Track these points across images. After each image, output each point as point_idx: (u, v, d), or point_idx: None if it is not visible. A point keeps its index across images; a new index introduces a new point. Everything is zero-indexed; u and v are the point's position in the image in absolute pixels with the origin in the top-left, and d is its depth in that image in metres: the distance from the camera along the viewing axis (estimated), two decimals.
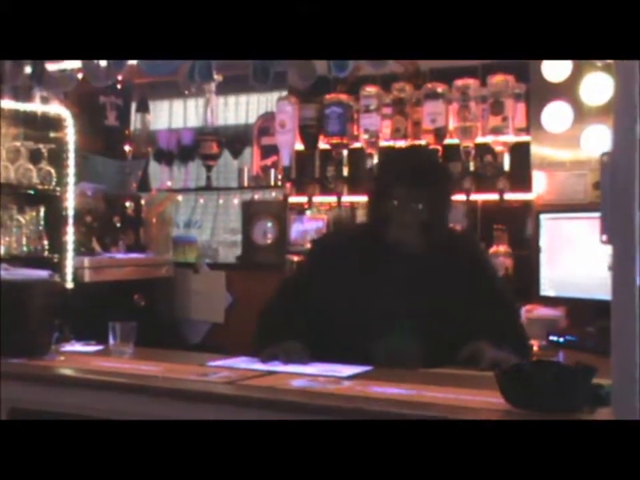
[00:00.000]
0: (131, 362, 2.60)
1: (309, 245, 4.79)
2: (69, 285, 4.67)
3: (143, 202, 5.54)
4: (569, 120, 4.13)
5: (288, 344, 2.55)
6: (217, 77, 4.01)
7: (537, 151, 4.29)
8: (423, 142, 4.54)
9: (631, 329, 1.61)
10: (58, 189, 4.82)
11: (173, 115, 6.46)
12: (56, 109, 4.85)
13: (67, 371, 2.58)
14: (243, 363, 2.55)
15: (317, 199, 4.99)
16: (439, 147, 4.50)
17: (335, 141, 4.78)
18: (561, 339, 3.47)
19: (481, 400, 2.01)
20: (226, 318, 5.30)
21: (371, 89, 4.68)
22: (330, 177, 4.90)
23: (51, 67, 3.51)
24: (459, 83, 4.43)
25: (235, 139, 5.80)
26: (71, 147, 4.87)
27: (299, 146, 4.97)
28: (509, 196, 4.41)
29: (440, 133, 4.49)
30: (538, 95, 4.26)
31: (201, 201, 6.07)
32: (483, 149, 4.45)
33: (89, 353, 2.80)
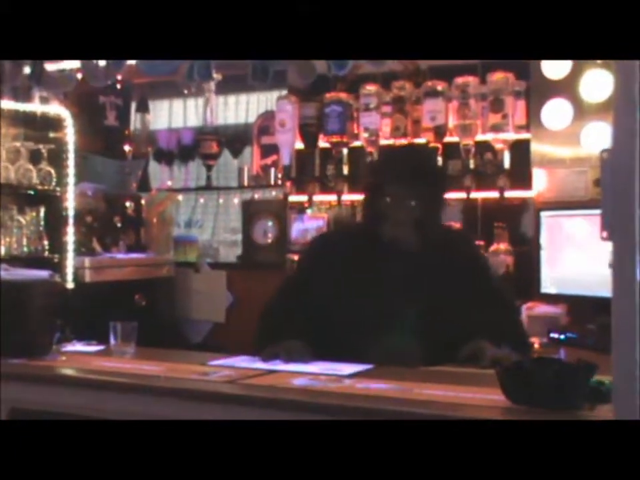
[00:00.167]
0: (132, 362, 2.60)
1: (305, 246, 4.77)
2: (70, 285, 4.67)
3: (143, 202, 5.54)
4: (569, 117, 4.13)
5: (289, 343, 2.56)
6: (216, 76, 4.01)
7: (537, 148, 4.28)
8: (421, 140, 4.54)
9: (631, 326, 1.61)
10: (58, 189, 4.81)
11: (172, 115, 6.46)
12: (55, 109, 4.85)
13: (68, 371, 2.58)
14: (243, 362, 2.55)
15: (317, 197, 5.00)
16: (439, 145, 4.50)
17: (335, 139, 4.78)
18: (562, 336, 3.47)
19: (482, 397, 2.01)
20: (227, 317, 5.30)
21: (370, 88, 4.68)
22: (330, 175, 4.90)
23: (50, 67, 3.51)
24: (459, 80, 4.43)
25: (234, 138, 5.80)
26: (71, 147, 4.87)
27: (299, 145, 4.97)
28: (509, 193, 4.41)
29: (440, 131, 4.48)
30: (538, 92, 4.26)
31: (201, 200, 6.07)
32: (483, 146, 4.45)
33: (90, 353, 2.80)
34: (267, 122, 5.53)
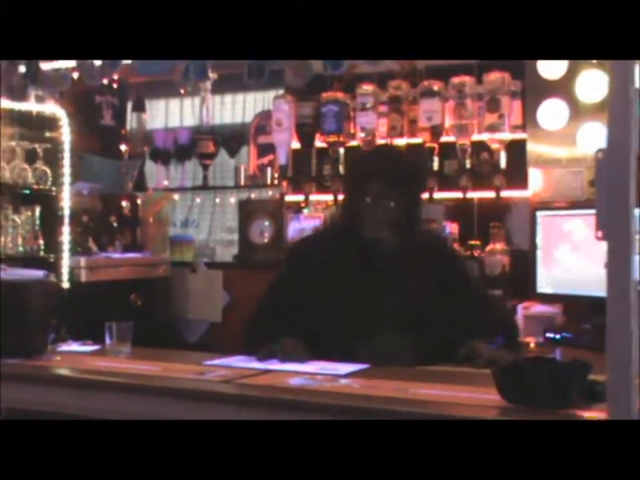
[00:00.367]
0: (127, 362, 2.60)
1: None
2: (65, 284, 4.66)
3: (139, 201, 5.53)
4: (565, 117, 4.13)
5: (285, 341, 2.56)
6: (212, 76, 4.01)
7: (533, 148, 4.29)
8: (417, 140, 4.53)
9: (626, 325, 1.61)
10: (54, 188, 4.81)
11: (169, 114, 6.45)
12: (51, 108, 4.84)
13: (64, 371, 2.58)
14: (240, 361, 2.56)
15: (314, 197, 5.00)
16: (435, 145, 4.51)
17: (332, 139, 4.79)
18: (558, 336, 3.47)
19: (478, 397, 2.02)
20: (223, 317, 5.29)
21: (367, 87, 4.68)
22: (327, 175, 4.90)
23: (46, 66, 3.50)
24: (455, 80, 4.43)
25: (231, 138, 5.79)
26: (67, 146, 4.86)
27: (296, 144, 4.97)
28: (506, 193, 4.41)
29: (436, 131, 4.49)
30: (534, 92, 4.26)
31: (198, 200, 6.06)
32: (479, 146, 4.45)
33: (85, 353, 2.80)
34: (263, 121, 5.53)
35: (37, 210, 4.78)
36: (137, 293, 5.04)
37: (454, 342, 2.58)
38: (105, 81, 4.89)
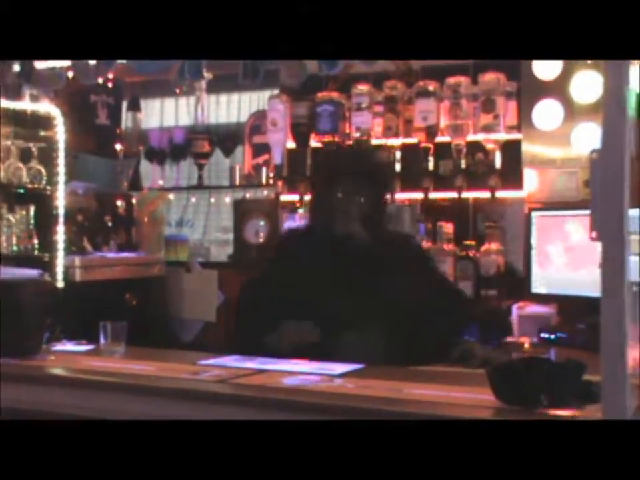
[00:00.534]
0: (122, 361, 2.60)
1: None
2: (60, 284, 4.65)
3: (134, 201, 5.52)
4: (560, 118, 4.14)
5: (298, 325, 2.61)
6: (207, 75, 4.01)
7: (528, 148, 4.29)
8: (412, 140, 4.54)
9: (620, 325, 1.61)
10: (48, 187, 4.79)
11: (164, 114, 6.44)
12: (46, 107, 4.83)
13: (58, 371, 2.57)
14: (234, 361, 2.55)
15: (309, 197, 4.98)
16: (431, 145, 4.51)
17: (327, 139, 4.78)
18: (552, 336, 3.47)
19: (472, 397, 2.02)
20: (218, 317, 5.29)
21: (362, 87, 4.68)
22: None
23: (40, 64, 3.50)
24: (451, 80, 4.44)
25: (226, 138, 5.79)
26: (62, 145, 4.85)
27: (291, 144, 4.97)
28: (501, 193, 4.41)
29: (431, 131, 4.49)
30: (529, 92, 4.27)
31: (193, 199, 6.06)
32: (475, 146, 4.46)
33: (79, 353, 2.79)
34: (258, 121, 5.53)
35: (32, 209, 4.77)
36: (131, 293, 5.03)
37: (435, 340, 2.61)
38: (100, 80, 4.88)
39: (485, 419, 1.86)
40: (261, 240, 5.29)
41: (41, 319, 2.69)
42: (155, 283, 5.29)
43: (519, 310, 3.98)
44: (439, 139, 4.51)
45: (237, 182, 5.56)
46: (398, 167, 4.61)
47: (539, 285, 3.97)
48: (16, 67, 3.72)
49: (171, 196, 5.84)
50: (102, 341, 2.70)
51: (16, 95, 4.62)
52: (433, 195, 4.56)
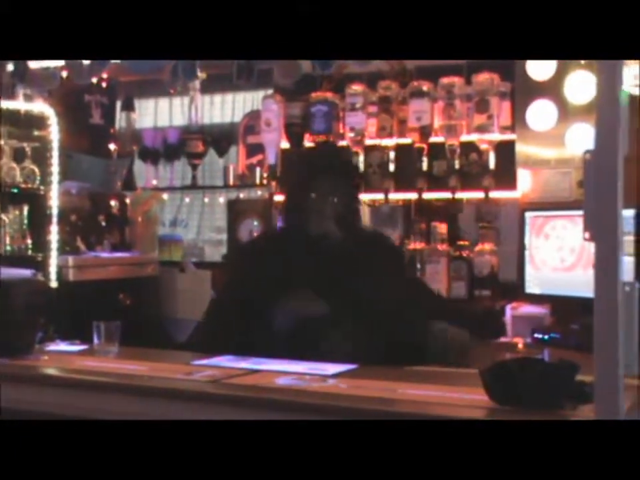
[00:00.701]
0: (115, 361, 2.59)
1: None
2: (53, 284, 4.65)
3: (128, 201, 5.52)
4: (554, 118, 4.14)
5: (301, 293, 2.65)
6: (201, 75, 4.00)
7: (521, 149, 4.29)
8: (406, 140, 4.54)
9: (613, 326, 1.61)
10: (42, 187, 4.79)
11: (158, 114, 6.44)
12: (40, 106, 4.83)
13: (51, 371, 2.57)
14: (228, 361, 2.55)
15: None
16: (424, 145, 4.51)
17: (321, 139, 4.78)
18: (546, 336, 3.47)
19: (465, 397, 2.02)
20: None
21: (356, 87, 4.68)
22: None
23: (34, 64, 3.49)
24: (445, 81, 4.44)
25: (220, 138, 5.78)
26: (55, 145, 4.85)
27: (285, 144, 4.96)
28: (494, 194, 4.41)
29: (425, 131, 4.49)
30: (523, 93, 4.26)
31: (187, 199, 6.05)
32: (468, 147, 4.46)
33: (73, 353, 2.79)
34: (252, 121, 5.52)
35: (25, 209, 4.77)
36: (125, 293, 5.02)
37: (409, 338, 2.63)
38: (94, 80, 4.87)
39: (479, 419, 1.87)
40: None
41: (34, 319, 2.68)
42: (149, 283, 5.29)
43: (513, 310, 3.99)
44: (433, 139, 4.51)
45: (231, 182, 5.55)
46: (392, 167, 4.61)
47: (532, 285, 3.98)
48: (10, 67, 3.72)
49: (165, 196, 5.84)
50: (95, 340, 2.70)
51: (10, 94, 4.62)
52: (427, 196, 4.56)
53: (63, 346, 2.89)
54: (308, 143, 4.85)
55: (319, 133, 4.76)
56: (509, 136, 4.37)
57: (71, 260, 4.83)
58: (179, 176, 5.94)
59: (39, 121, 4.83)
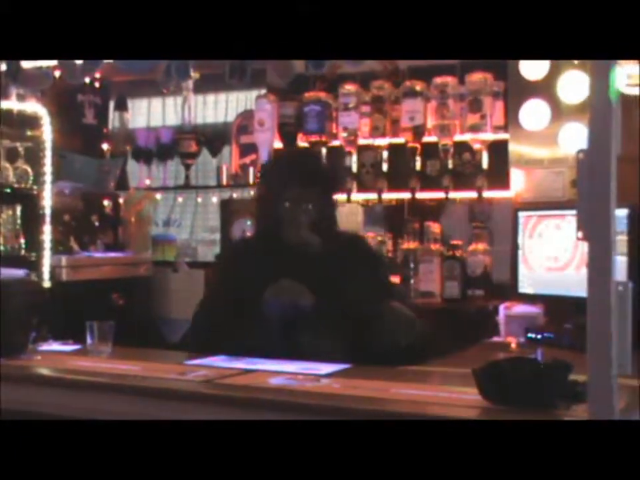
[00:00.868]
0: (108, 361, 2.59)
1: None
2: (46, 283, 4.63)
3: (121, 201, 5.51)
4: (547, 118, 4.14)
5: (283, 283, 2.66)
6: (194, 75, 4.00)
7: (515, 148, 4.30)
8: (399, 140, 4.54)
9: (606, 326, 1.61)
10: (35, 187, 4.78)
11: (151, 113, 6.43)
12: (33, 106, 4.82)
13: (44, 371, 2.56)
14: (221, 361, 2.55)
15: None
16: (418, 145, 4.51)
17: (314, 139, 4.77)
18: (539, 336, 3.47)
19: (459, 397, 2.02)
20: None
21: (349, 87, 4.68)
22: None
23: (27, 64, 3.49)
24: (438, 80, 4.44)
25: (213, 137, 5.77)
26: (48, 145, 4.83)
27: (278, 144, 4.96)
28: (488, 193, 4.42)
29: (418, 131, 4.49)
30: (516, 93, 4.27)
31: (180, 199, 6.04)
32: (462, 146, 4.46)
33: (66, 353, 2.78)
34: (245, 121, 5.52)
35: (18, 209, 4.76)
36: (118, 293, 5.02)
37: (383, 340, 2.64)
38: (87, 80, 4.87)
39: (472, 419, 1.87)
40: None
41: (27, 319, 2.68)
42: (142, 283, 5.28)
43: (506, 310, 3.99)
44: (426, 139, 4.51)
45: (224, 182, 5.54)
46: (385, 167, 4.62)
47: (525, 285, 3.97)
48: (2, 67, 3.71)
49: (158, 196, 5.82)
50: (89, 340, 2.69)
51: (2, 94, 4.60)
52: (420, 195, 4.56)
53: (56, 346, 2.89)
54: (301, 142, 4.85)
55: (312, 132, 4.76)
56: (502, 135, 4.37)
57: (64, 260, 4.81)
58: (172, 176, 5.93)
59: (32, 121, 4.82)
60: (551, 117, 4.13)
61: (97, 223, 5.29)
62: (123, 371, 2.45)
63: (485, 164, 4.40)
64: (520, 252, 3.93)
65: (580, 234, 1.67)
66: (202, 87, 5.47)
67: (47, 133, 4.84)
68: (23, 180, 4.76)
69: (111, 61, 3.37)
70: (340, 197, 4.63)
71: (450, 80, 4.42)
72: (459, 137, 4.44)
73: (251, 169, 5.38)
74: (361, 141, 4.66)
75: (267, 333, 2.67)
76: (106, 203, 5.39)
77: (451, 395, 2.06)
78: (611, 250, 1.63)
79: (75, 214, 5.13)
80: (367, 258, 2.96)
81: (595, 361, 1.64)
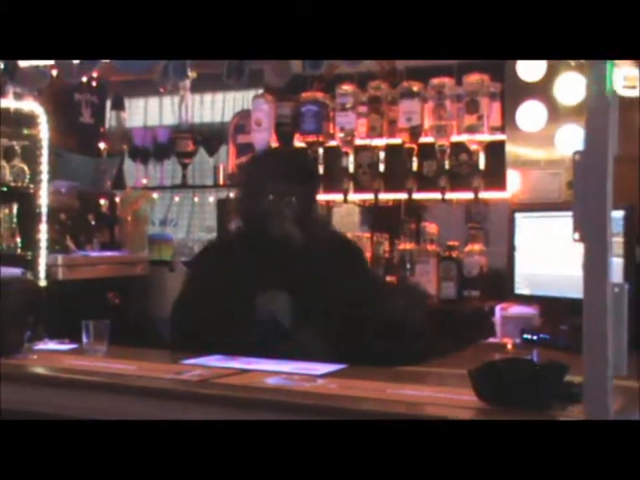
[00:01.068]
0: (104, 360, 2.59)
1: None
2: (43, 282, 4.63)
3: (117, 200, 5.50)
4: (544, 119, 4.14)
5: (270, 295, 2.69)
6: (192, 74, 4.00)
7: (511, 149, 4.30)
8: (396, 140, 4.54)
9: (602, 327, 1.62)
10: (31, 186, 4.77)
11: (148, 113, 6.43)
12: (29, 105, 4.81)
13: (40, 370, 2.56)
14: (217, 361, 2.55)
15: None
16: (414, 146, 4.51)
17: (311, 139, 4.78)
18: (535, 337, 3.47)
19: (455, 397, 2.02)
20: None
21: (346, 87, 4.68)
22: None
23: (24, 63, 3.48)
24: (435, 81, 4.44)
25: (210, 137, 5.77)
26: (45, 144, 4.83)
27: (275, 144, 4.96)
28: (484, 194, 4.42)
29: (415, 132, 4.49)
30: (513, 94, 4.27)
31: (177, 198, 6.05)
32: (458, 147, 4.46)
33: (62, 352, 2.78)
34: (242, 121, 5.51)
35: (15, 207, 4.75)
36: (114, 292, 5.01)
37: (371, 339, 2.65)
38: (84, 79, 4.86)
39: (468, 420, 1.87)
40: None
41: (23, 318, 2.68)
42: (138, 282, 5.27)
43: (502, 311, 3.99)
44: (423, 139, 4.51)
45: (221, 181, 5.54)
46: (382, 167, 4.62)
47: (522, 286, 3.98)
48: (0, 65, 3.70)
49: (155, 195, 5.82)
50: (84, 339, 2.69)
51: None
52: (417, 196, 4.56)
53: (51, 345, 2.89)
54: (298, 142, 4.85)
55: (309, 132, 4.76)
56: (498, 136, 4.37)
57: (60, 259, 4.81)
58: (169, 175, 5.93)
59: (29, 120, 4.81)
60: (548, 118, 4.13)
61: (93, 222, 5.28)
62: (118, 370, 2.45)
63: (481, 165, 4.40)
64: (516, 253, 3.94)
65: (576, 235, 1.68)
66: (199, 87, 5.47)
67: (43, 131, 4.83)
68: (20, 178, 4.76)
69: (108, 60, 3.36)
70: (336, 197, 4.68)
71: (447, 81, 4.42)
72: (455, 138, 4.44)
73: None
74: (358, 141, 4.65)
75: (251, 328, 2.67)
76: (102, 202, 5.38)
77: (446, 395, 2.06)
78: (606, 251, 1.63)
79: (71, 213, 5.13)
80: (350, 256, 3.01)
81: (591, 361, 1.64)
